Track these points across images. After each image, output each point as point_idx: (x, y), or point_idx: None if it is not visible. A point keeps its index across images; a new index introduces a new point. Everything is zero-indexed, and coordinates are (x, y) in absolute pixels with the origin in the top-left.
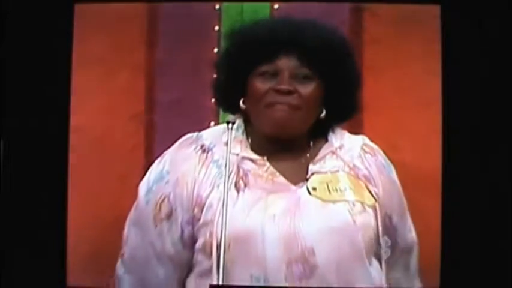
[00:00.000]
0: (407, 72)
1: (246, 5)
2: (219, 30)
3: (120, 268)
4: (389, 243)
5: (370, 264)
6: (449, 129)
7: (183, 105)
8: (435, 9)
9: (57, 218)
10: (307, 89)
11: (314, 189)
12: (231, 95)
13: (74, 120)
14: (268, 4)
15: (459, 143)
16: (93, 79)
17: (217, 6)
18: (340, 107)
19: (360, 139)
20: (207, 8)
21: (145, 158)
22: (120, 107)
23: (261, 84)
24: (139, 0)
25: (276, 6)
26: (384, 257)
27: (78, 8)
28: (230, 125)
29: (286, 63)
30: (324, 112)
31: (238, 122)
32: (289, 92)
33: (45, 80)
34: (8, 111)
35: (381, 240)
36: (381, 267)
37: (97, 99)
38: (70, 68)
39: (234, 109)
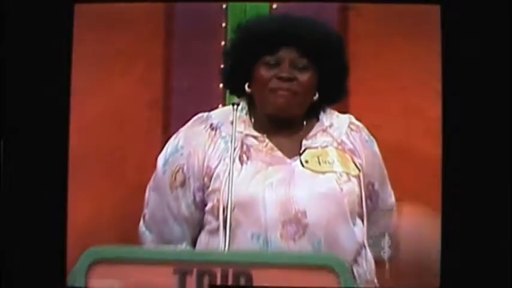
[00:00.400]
0: (401, 70)
1: (249, 4)
2: (225, 27)
3: (142, 226)
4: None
5: (354, 224)
6: (450, 129)
7: (195, 91)
8: (435, 9)
9: (57, 218)
10: (304, 77)
11: (306, 161)
12: (237, 81)
13: (76, 119)
14: (268, 4)
15: (459, 143)
16: (113, 71)
17: (224, 6)
18: (331, 92)
19: (347, 118)
20: (215, 7)
21: (162, 136)
22: (140, 94)
23: (265, 72)
24: (145, 0)
25: (274, 5)
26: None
27: (78, 8)
28: (235, 107)
29: (287, 55)
30: (317, 96)
31: (242, 104)
32: (289, 79)
33: (45, 80)
34: (8, 111)
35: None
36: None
37: (115, 88)
38: (70, 68)
39: (239, 92)
